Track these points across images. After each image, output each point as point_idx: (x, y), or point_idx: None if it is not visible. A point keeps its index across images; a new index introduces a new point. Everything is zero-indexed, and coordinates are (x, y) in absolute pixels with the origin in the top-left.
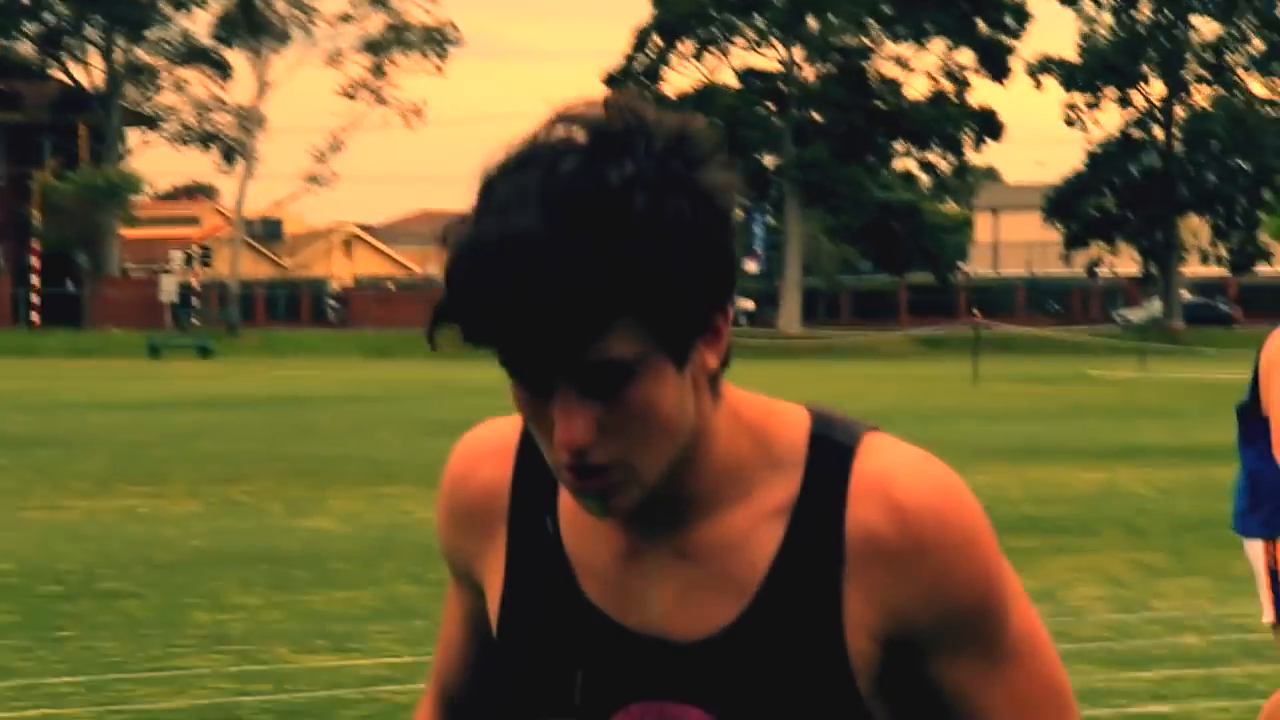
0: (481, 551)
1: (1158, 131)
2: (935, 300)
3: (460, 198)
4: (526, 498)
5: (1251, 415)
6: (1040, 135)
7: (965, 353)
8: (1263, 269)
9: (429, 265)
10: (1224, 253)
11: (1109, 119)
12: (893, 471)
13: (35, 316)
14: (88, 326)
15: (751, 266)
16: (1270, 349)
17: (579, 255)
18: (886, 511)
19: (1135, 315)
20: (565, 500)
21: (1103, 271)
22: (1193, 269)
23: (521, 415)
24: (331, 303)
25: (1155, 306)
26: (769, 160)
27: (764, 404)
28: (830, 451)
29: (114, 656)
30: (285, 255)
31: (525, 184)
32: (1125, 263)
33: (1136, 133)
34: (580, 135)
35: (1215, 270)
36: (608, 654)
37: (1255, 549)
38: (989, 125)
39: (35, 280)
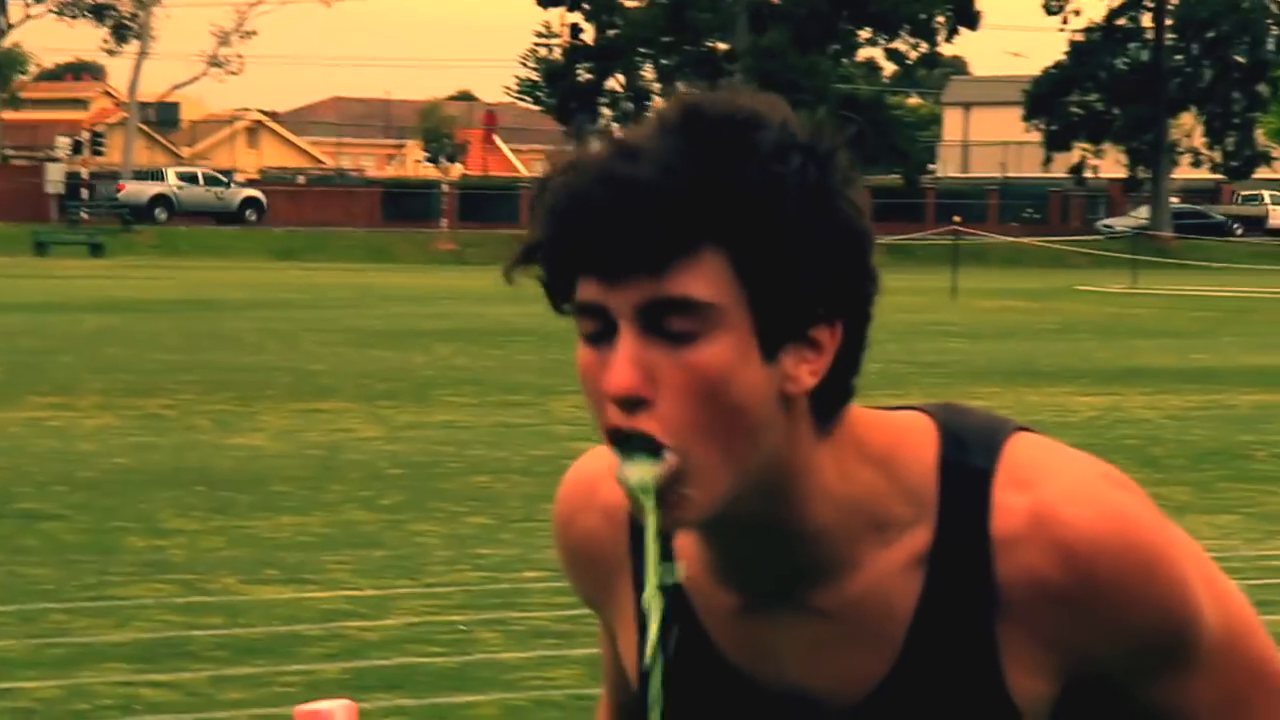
0: (607, 600)
1: (1146, 20)
2: (901, 205)
3: (377, 82)
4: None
5: None
6: (1015, 23)
7: (936, 263)
8: (1259, 173)
9: (342, 157)
10: (1218, 157)
11: (1092, 6)
12: (1048, 505)
13: None
14: None
15: None
16: None
17: (686, 161)
18: (1049, 554)
19: (1120, 224)
20: (683, 546)
21: (1085, 175)
22: (1183, 173)
23: (583, 386)
24: None
25: (1142, 214)
26: (721, 46)
27: (890, 427)
28: (965, 483)
29: (44, 584)
30: (183, 144)
31: (661, 113)
32: (1109, 165)
33: (1123, 21)
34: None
35: (1205, 174)
36: (752, 717)
37: None
38: (964, 11)
39: None
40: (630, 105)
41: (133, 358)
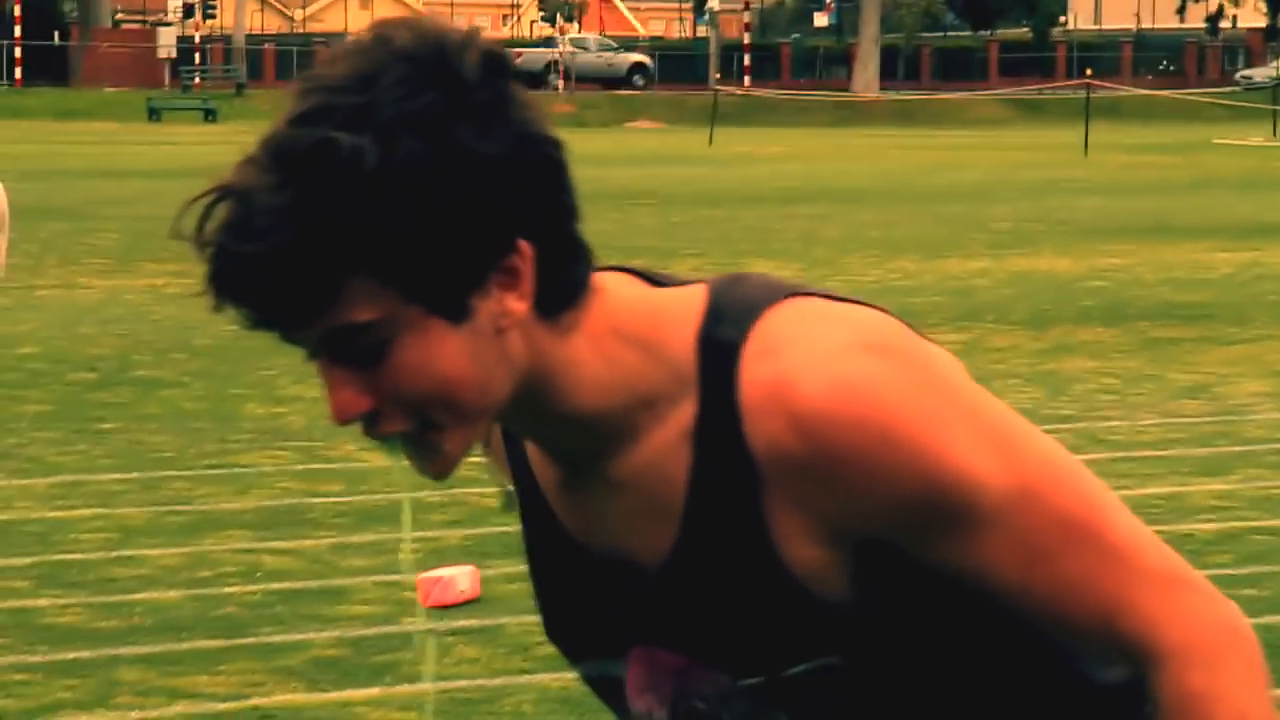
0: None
1: None
2: (1029, 59)
3: None
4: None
5: None
6: None
7: (1067, 118)
8: None
9: (455, 18)
10: None
11: None
12: (783, 375)
13: (18, 72)
14: (77, 84)
15: (822, 20)
16: None
17: (290, 219)
18: (785, 424)
19: (1260, 74)
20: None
21: (1223, 25)
22: None
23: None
24: None
25: None
26: None
27: (651, 308)
28: (718, 357)
29: (165, 451)
30: (295, 6)
31: (266, 134)
32: (1248, 14)
33: None
34: (334, 70)
35: None
36: (589, 578)
37: None
38: None
39: (17, 31)
40: None
41: None
